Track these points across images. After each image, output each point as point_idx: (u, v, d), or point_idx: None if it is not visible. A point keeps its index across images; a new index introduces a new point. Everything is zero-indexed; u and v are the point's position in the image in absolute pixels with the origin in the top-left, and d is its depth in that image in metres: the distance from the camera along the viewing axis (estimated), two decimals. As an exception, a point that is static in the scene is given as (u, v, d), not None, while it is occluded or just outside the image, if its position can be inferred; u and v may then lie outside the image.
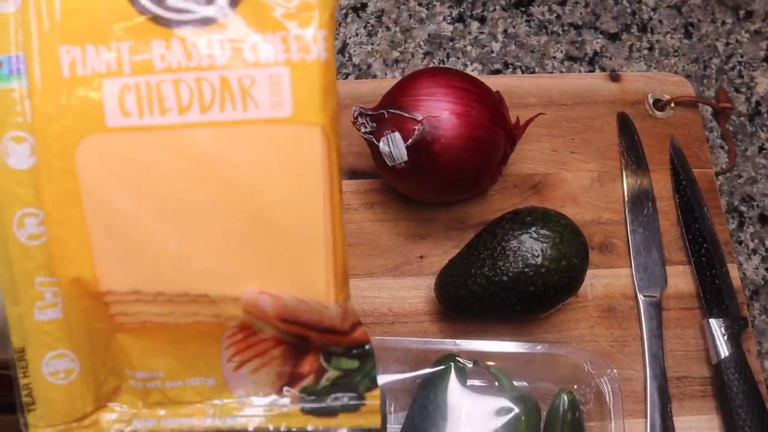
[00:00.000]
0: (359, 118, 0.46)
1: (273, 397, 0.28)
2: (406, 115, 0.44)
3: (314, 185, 0.25)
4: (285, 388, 0.28)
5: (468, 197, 0.50)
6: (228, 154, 0.25)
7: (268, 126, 0.25)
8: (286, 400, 0.28)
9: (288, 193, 0.26)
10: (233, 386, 0.28)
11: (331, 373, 0.28)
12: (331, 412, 0.28)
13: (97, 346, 0.28)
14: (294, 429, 0.28)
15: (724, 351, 0.46)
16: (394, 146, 0.44)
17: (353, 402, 0.28)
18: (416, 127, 0.43)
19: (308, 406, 0.28)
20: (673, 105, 0.56)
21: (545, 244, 0.43)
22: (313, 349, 0.28)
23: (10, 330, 0.27)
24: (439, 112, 0.44)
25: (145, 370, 0.28)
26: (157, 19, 0.25)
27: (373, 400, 0.29)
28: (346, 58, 0.60)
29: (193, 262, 0.26)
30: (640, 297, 0.49)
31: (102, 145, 0.26)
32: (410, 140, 0.43)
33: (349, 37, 0.61)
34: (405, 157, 0.44)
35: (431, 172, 0.45)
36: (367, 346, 0.28)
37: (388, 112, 0.44)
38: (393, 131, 0.44)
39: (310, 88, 0.25)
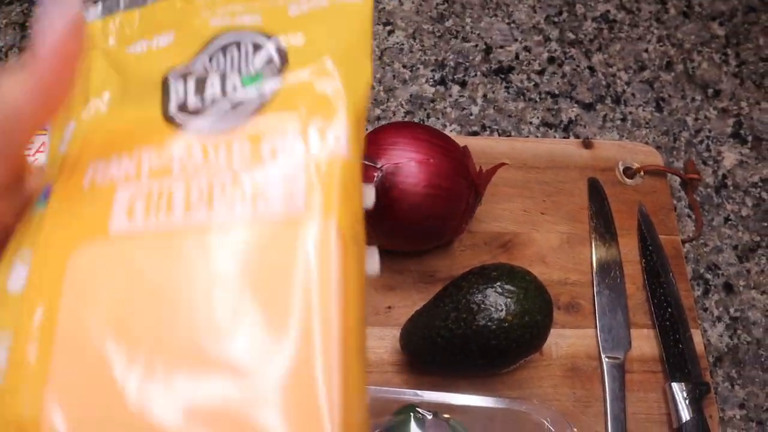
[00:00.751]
0: None
1: None
2: (368, 162, 0.45)
3: (323, 293, 0.21)
4: None
5: (434, 246, 0.51)
6: (231, 254, 0.22)
7: (280, 224, 0.22)
8: None
9: (291, 304, 0.21)
10: None
11: None
12: None
13: None
14: None
15: (685, 415, 0.46)
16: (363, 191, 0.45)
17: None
18: (375, 174, 0.45)
19: None
20: (642, 173, 0.58)
21: (509, 299, 0.44)
22: None
23: None
24: (400, 160, 0.45)
25: None
26: (183, 127, 0.24)
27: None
28: (330, 112, 0.62)
29: (173, 403, 0.21)
30: (604, 358, 0.49)
31: (99, 255, 0.23)
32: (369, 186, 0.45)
33: (334, 94, 0.63)
34: (373, 200, 0.45)
35: (391, 218, 0.46)
36: None
37: (357, 161, 0.46)
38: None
39: (325, 184, 0.23)
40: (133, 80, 0.26)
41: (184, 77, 0.25)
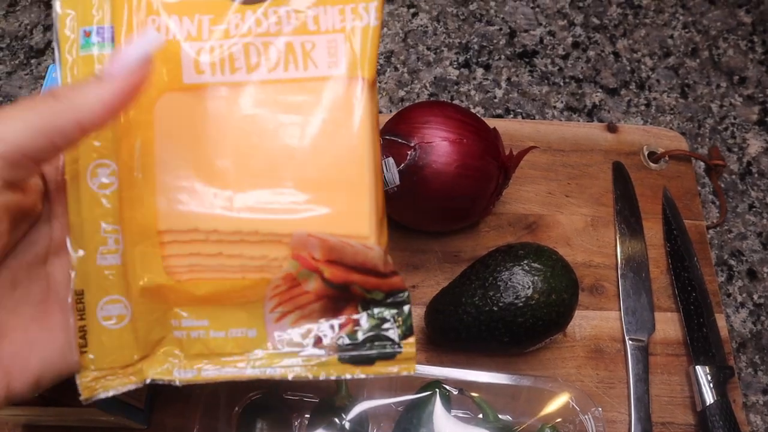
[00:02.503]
0: None
1: (312, 348, 0.29)
2: (401, 141, 0.45)
3: (362, 130, 0.29)
4: (324, 339, 0.29)
5: (460, 227, 0.51)
6: (289, 104, 0.29)
7: (324, 82, 0.29)
8: (324, 351, 0.29)
9: (339, 139, 0.29)
10: (274, 338, 0.29)
11: (369, 323, 0.29)
12: (368, 361, 0.29)
13: (149, 297, 0.29)
14: (333, 377, 0.29)
15: (709, 398, 0.46)
16: (388, 170, 0.45)
17: (389, 350, 0.29)
18: (409, 153, 0.45)
19: (346, 355, 0.29)
20: (667, 158, 0.57)
21: (536, 277, 0.44)
22: (353, 300, 0.29)
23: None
24: (432, 139, 0.45)
25: (191, 319, 0.29)
26: None
27: (408, 347, 0.29)
28: (354, 93, 0.62)
29: (247, 200, 0.28)
30: (628, 340, 0.49)
31: (178, 99, 0.29)
32: (402, 165, 0.45)
33: (358, 74, 0.63)
34: (397, 181, 0.45)
35: (422, 197, 0.46)
36: (404, 294, 0.29)
37: (384, 138, 0.46)
38: (387, 156, 0.45)
39: (361, 49, 0.29)
40: None
41: None
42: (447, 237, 0.52)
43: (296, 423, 0.45)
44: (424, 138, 0.45)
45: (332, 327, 0.29)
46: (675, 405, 0.48)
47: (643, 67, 0.65)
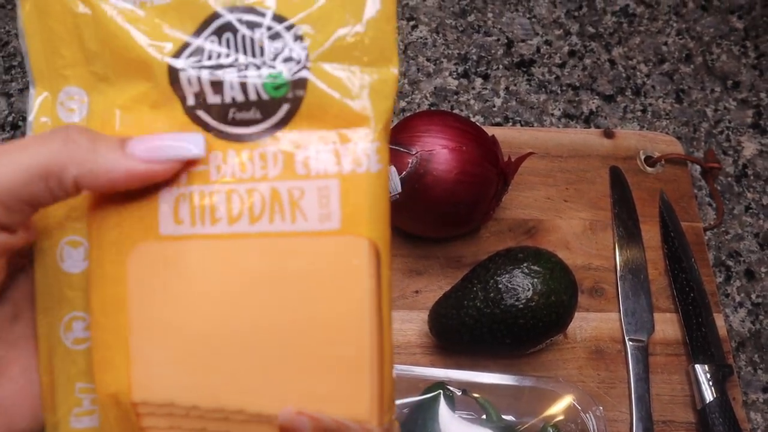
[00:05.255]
0: None
1: None
2: (402, 149, 0.47)
3: (360, 301, 0.25)
4: None
5: (462, 233, 0.53)
6: (274, 266, 0.25)
7: (316, 239, 0.25)
8: None
9: (333, 309, 0.25)
10: None
11: None
12: None
13: None
14: None
15: (708, 396, 0.47)
16: (390, 179, 0.47)
17: None
18: (410, 161, 0.46)
19: None
20: (663, 162, 0.58)
21: (536, 280, 0.45)
22: None
23: None
24: (433, 147, 0.46)
25: None
26: (217, 134, 0.25)
27: None
28: (355, 104, 0.63)
29: (232, 376, 0.26)
30: (628, 341, 0.50)
31: (153, 253, 0.26)
32: (404, 173, 0.46)
33: (359, 86, 0.64)
34: (399, 189, 0.46)
35: (423, 203, 0.47)
36: None
37: (388, 147, 0.47)
38: (390, 165, 0.47)
39: (359, 201, 0.24)
40: (119, 52, 0.26)
41: (196, 66, 0.25)
42: (449, 243, 0.54)
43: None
44: (424, 146, 0.47)
45: None
46: (675, 404, 0.49)
47: (638, 73, 0.66)
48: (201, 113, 0.25)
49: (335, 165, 0.24)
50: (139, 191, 0.25)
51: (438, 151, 0.47)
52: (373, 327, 0.25)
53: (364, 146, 0.24)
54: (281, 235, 0.25)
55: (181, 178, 0.25)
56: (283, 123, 0.25)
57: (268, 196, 0.25)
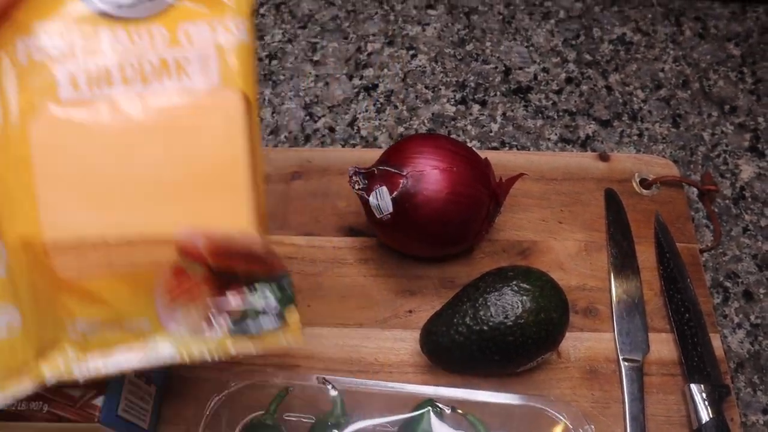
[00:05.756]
0: (353, 177, 0.50)
1: (205, 328, 0.32)
2: (394, 170, 0.48)
3: (237, 138, 0.32)
4: (214, 319, 0.32)
5: (454, 253, 0.53)
6: (166, 115, 0.31)
7: (200, 92, 0.32)
8: (215, 329, 0.32)
9: (217, 145, 0.32)
10: (168, 325, 0.32)
11: (254, 300, 0.33)
12: (256, 334, 0.32)
13: (40, 301, 0.31)
14: (229, 354, 0.32)
15: (705, 416, 0.46)
16: (381, 199, 0.48)
17: (274, 322, 0.33)
18: (401, 181, 0.47)
19: (236, 330, 0.32)
20: (658, 184, 0.59)
21: (525, 297, 0.45)
22: (237, 282, 0.32)
23: None
24: (424, 167, 0.47)
25: (84, 321, 0.32)
26: (105, 14, 0.31)
27: (291, 316, 0.33)
28: (355, 130, 0.65)
29: (133, 209, 0.31)
30: (623, 361, 0.50)
31: (54, 116, 0.31)
32: (395, 193, 0.47)
33: (359, 113, 0.66)
34: (390, 209, 0.47)
35: (414, 223, 0.48)
36: (283, 271, 0.33)
37: (378, 169, 0.48)
38: (381, 185, 0.48)
39: (234, 63, 0.32)
40: None
41: None
42: (443, 263, 0.54)
43: (295, 444, 0.46)
44: (416, 167, 0.48)
45: (220, 307, 0.32)
46: (671, 424, 0.48)
47: (635, 99, 0.67)
48: None
49: (211, 36, 0.31)
50: (37, 67, 0.30)
51: (429, 171, 0.48)
52: (245, 158, 0.32)
53: (234, 22, 0.32)
54: (172, 92, 0.31)
55: (75, 53, 0.31)
56: (167, 6, 0.31)
57: (158, 63, 0.31)
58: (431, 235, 0.49)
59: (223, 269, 0.32)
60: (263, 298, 0.32)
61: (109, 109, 0.31)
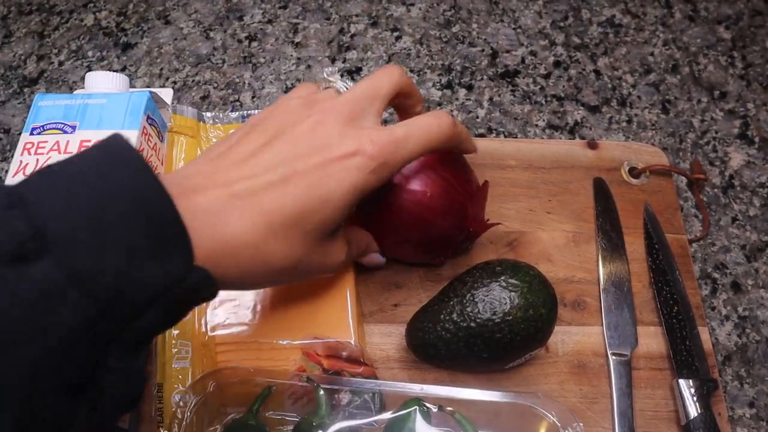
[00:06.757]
0: None
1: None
2: None
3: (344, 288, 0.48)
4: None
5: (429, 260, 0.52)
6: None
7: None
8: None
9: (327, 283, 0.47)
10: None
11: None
12: None
13: (206, 387, 0.42)
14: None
15: (693, 411, 0.46)
16: None
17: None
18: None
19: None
20: (648, 173, 0.58)
21: (513, 293, 0.44)
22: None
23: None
24: (399, 180, 0.45)
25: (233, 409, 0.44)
26: None
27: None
28: (338, 116, 0.63)
29: (275, 325, 0.46)
30: (611, 355, 0.49)
31: None
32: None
33: (342, 98, 0.64)
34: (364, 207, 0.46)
35: (383, 224, 0.46)
36: (374, 377, 0.44)
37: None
38: None
39: None
40: None
41: None
42: (429, 255, 0.53)
43: (278, 443, 0.45)
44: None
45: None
46: (659, 419, 0.47)
47: (624, 84, 0.66)
48: None
49: None
50: None
51: (400, 183, 0.45)
52: (352, 295, 0.47)
53: None
54: None
55: None
56: None
57: None
58: (398, 243, 0.48)
59: (332, 370, 0.43)
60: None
61: None
